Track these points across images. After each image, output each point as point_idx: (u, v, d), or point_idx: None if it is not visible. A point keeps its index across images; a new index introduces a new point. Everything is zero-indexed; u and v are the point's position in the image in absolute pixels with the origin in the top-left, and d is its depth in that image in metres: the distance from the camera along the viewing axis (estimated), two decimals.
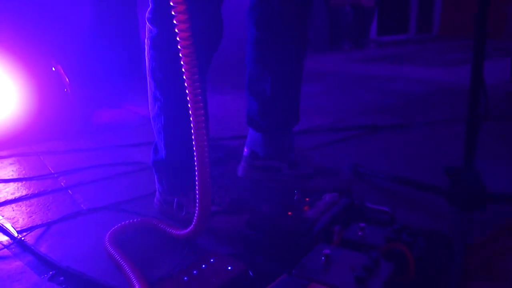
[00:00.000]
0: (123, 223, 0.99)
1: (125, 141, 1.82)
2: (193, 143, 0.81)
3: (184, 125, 1.01)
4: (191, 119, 0.79)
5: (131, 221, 1.00)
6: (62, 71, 2.34)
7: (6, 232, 1.05)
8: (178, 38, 0.74)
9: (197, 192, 0.83)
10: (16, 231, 1.05)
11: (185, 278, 0.72)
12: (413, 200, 1.12)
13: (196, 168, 0.82)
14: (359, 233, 0.83)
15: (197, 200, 0.85)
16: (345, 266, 0.71)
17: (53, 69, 2.26)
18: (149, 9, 0.96)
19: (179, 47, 0.75)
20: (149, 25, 0.97)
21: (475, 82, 0.96)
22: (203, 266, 0.75)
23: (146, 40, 0.99)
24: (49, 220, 1.11)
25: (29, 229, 1.07)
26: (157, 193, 1.11)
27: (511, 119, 1.90)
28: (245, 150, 1.25)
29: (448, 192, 1.00)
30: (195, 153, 0.81)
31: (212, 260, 0.77)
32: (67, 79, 2.35)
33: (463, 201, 0.97)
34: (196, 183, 0.83)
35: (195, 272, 0.73)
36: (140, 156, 1.61)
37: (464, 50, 4.93)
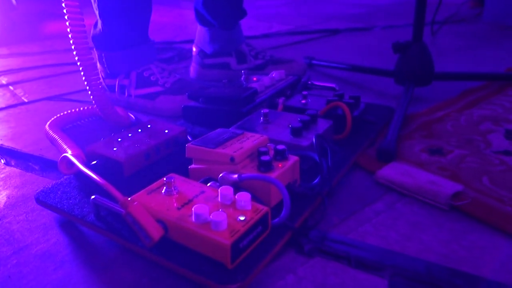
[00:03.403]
0: (66, 112, 0.94)
1: None
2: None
3: None
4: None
5: (75, 109, 0.94)
6: None
7: None
8: None
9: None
10: None
11: (119, 139, 0.69)
12: (364, 85, 1.11)
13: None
14: (302, 101, 0.82)
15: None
16: (283, 124, 0.70)
17: None
18: None
19: None
20: None
21: None
22: (139, 130, 0.73)
23: None
24: None
25: None
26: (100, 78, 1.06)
27: (471, 21, 1.89)
28: (194, 49, 1.20)
29: (396, 70, 0.99)
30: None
31: (150, 125, 0.75)
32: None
33: (409, 78, 0.96)
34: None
35: (130, 134, 0.71)
36: None
37: None
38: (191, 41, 1.70)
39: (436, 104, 0.93)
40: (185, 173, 0.59)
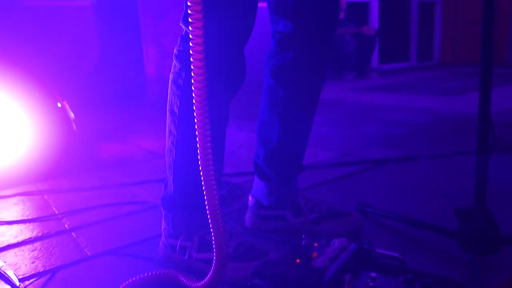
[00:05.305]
0: (134, 278, 0.95)
1: (129, 179, 1.81)
2: (204, 190, 0.80)
3: (195, 163, 1.00)
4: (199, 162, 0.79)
5: (144, 275, 0.95)
6: (67, 106, 2.36)
7: (8, 280, 1.03)
8: (192, 74, 0.75)
9: (213, 243, 0.82)
10: (18, 279, 1.03)
11: None
12: (424, 243, 1.09)
13: (210, 223, 0.81)
14: (370, 284, 0.81)
15: (214, 253, 0.83)
16: None
17: (59, 105, 2.28)
18: (177, 45, 0.99)
19: (193, 81, 0.76)
20: (174, 61, 0.99)
21: (483, 121, 0.95)
22: None
23: (170, 75, 1.01)
24: (52, 267, 1.09)
25: (31, 277, 1.05)
26: (162, 235, 1.09)
27: None
28: (250, 199, 1.24)
29: (460, 236, 0.98)
30: (206, 204, 0.81)
31: None
32: (72, 115, 2.37)
33: (476, 246, 0.94)
34: (212, 236, 0.82)
35: None
36: (144, 195, 1.60)
37: (465, 77, 4.97)
38: (241, 174, 1.77)
39: (508, 275, 0.90)
40: None
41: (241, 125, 2.57)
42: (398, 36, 6.78)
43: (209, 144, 0.79)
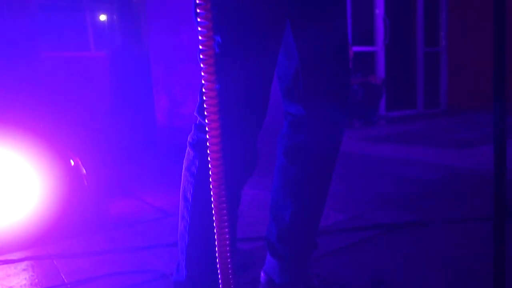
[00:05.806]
0: None
1: (140, 241, 1.80)
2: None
3: (207, 250, 1.00)
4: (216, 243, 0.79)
5: None
6: (80, 163, 2.38)
7: None
8: (209, 158, 0.76)
9: None
10: None
11: None
12: None
13: None
14: None
15: None
16: None
17: (72, 162, 2.31)
18: (191, 133, 1.01)
19: (209, 165, 0.76)
20: (188, 148, 1.01)
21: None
22: None
23: (183, 161, 1.03)
24: None
25: None
26: None
27: None
28: (262, 275, 1.22)
29: None
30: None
31: None
32: (84, 171, 2.39)
33: None
34: None
35: None
36: (154, 261, 1.59)
37: (474, 127, 4.97)
38: (252, 239, 1.75)
39: None
40: None
41: (251, 182, 2.57)
42: (404, 84, 6.87)
43: (227, 242, 0.79)
